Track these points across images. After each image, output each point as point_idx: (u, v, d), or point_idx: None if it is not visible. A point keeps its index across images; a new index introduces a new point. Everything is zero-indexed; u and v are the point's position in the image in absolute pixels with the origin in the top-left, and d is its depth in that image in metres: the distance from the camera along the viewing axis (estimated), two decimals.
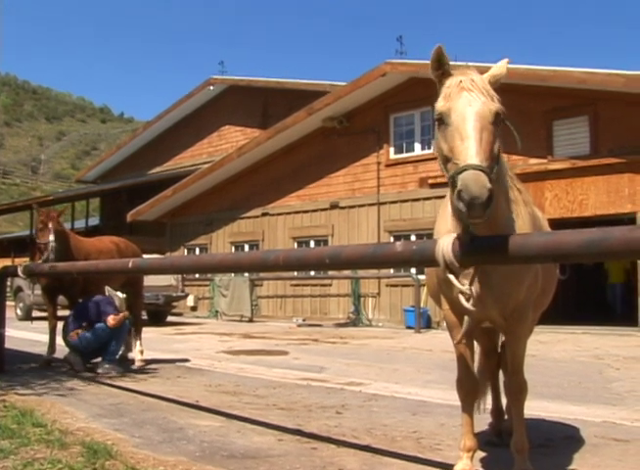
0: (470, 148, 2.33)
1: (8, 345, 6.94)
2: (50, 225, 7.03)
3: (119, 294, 7.16)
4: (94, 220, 31.07)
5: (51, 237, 6.93)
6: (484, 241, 2.52)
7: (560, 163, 13.40)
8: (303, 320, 17.08)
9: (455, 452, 3.34)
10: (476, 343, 3.57)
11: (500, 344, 4.03)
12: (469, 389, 3.14)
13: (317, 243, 17.43)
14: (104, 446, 3.53)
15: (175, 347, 9.99)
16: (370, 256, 2.94)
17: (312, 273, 16.62)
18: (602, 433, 4.17)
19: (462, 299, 2.63)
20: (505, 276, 2.80)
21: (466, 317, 2.80)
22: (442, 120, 2.49)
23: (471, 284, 2.63)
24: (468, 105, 2.45)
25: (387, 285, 16.09)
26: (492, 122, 2.44)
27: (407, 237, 14.92)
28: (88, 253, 7.44)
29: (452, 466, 3.11)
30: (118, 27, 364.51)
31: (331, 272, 15.41)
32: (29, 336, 10.74)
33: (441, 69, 2.59)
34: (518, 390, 3.05)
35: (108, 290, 7.12)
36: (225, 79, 24.88)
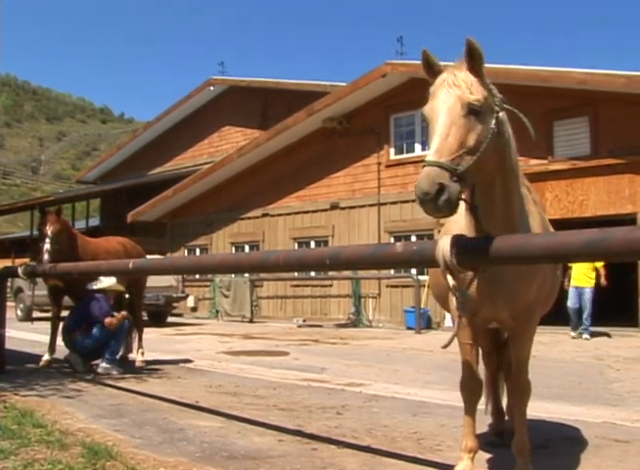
0: (431, 146, 2.39)
1: (8, 345, 6.93)
2: (47, 226, 7.01)
3: (103, 278, 7.05)
4: (94, 221, 31.06)
5: (47, 239, 6.90)
6: (485, 242, 2.52)
7: (560, 163, 13.40)
8: (304, 321, 17.07)
9: (455, 453, 3.34)
10: None
11: (501, 345, 4.03)
12: (472, 390, 3.14)
13: (317, 244, 17.43)
14: (104, 447, 3.52)
15: (175, 347, 9.98)
16: (370, 256, 2.94)
17: (312, 274, 16.62)
18: (602, 433, 4.17)
19: (457, 302, 2.62)
20: (516, 276, 2.80)
21: (462, 320, 2.80)
22: (425, 121, 2.56)
23: (467, 288, 2.62)
24: (442, 102, 2.47)
25: (387, 286, 16.09)
26: (464, 115, 2.43)
27: (407, 238, 14.91)
28: (96, 253, 7.41)
29: (453, 467, 3.11)
30: (119, 28, 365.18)
31: (331, 273, 15.40)
32: (30, 336, 10.73)
33: (432, 70, 2.62)
34: (521, 391, 3.04)
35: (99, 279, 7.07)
36: (225, 80, 24.88)
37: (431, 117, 2.48)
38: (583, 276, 11.94)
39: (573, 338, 11.72)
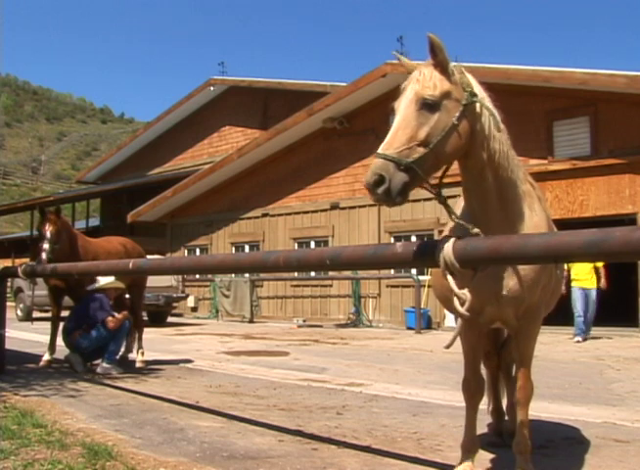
0: (385, 140, 2.48)
1: (8, 345, 6.93)
2: (46, 226, 7.01)
3: (101, 278, 7.06)
4: (94, 221, 31.08)
5: (46, 239, 6.90)
6: (485, 241, 2.52)
7: (560, 163, 13.40)
8: (304, 321, 17.08)
9: (456, 453, 3.34)
10: None
11: (500, 345, 4.03)
12: (475, 390, 3.13)
13: (317, 244, 17.43)
14: (104, 447, 3.52)
15: (176, 347, 9.99)
16: (370, 256, 2.94)
17: (313, 274, 16.63)
18: (602, 434, 4.17)
19: (457, 303, 2.62)
20: (521, 274, 2.80)
21: (459, 320, 2.80)
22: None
23: (466, 287, 2.63)
24: (404, 98, 2.58)
25: (387, 286, 16.09)
26: (418, 109, 2.51)
27: (408, 238, 14.91)
28: (97, 254, 7.42)
29: (453, 467, 3.11)
30: (119, 28, 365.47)
31: (331, 273, 15.41)
32: (30, 337, 10.74)
33: (407, 68, 2.72)
34: (524, 392, 3.03)
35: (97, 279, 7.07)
36: (225, 80, 24.89)
37: (395, 112, 2.60)
38: (588, 276, 11.44)
39: (578, 342, 11.10)
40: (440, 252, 2.57)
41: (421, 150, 2.44)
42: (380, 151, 2.44)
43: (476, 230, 2.65)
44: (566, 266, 11.08)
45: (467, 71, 2.70)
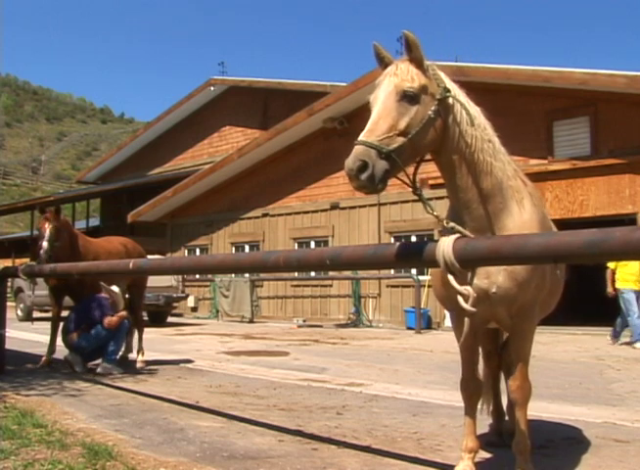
0: (365, 128, 2.54)
1: (8, 345, 6.93)
2: (45, 226, 7.01)
3: (115, 288, 7.12)
4: (94, 221, 31.07)
5: (45, 238, 6.89)
6: (485, 241, 2.52)
7: (560, 163, 13.40)
8: (304, 321, 17.08)
9: (456, 453, 3.34)
10: None
11: (501, 345, 4.03)
12: (473, 390, 3.14)
13: (317, 244, 17.43)
14: (104, 447, 3.53)
15: (176, 347, 9.98)
16: (370, 256, 2.94)
17: (313, 274, 16.63)
18: (602, 434, 4.17)
19: (461, 300, 2.63)
20: (510, 273, 2.80)
21: (466, 319, 2.80)
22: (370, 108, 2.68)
23: (469, 284, 2.63)
24: (382, 90, 2.62)
25: (387, 286, 16.09)
26: (398, 100, 2.56)
27: (408, 238, 14.92)
28: (97, 254, 7.41)
29: (453, 467, 3.11)
30: (119, 28, 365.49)
31: (331, 273, 15.41)
32: (30, 337, 10.74)
33: (383, 62, 2.74)
34: (522, 392, 3.03)
35: (103, 286, 7.08)
36: (226, 80, 24.89)
37: (372, 103, 2.64)
38: (638, 278, 10.64)
39: (620, 344, 10.51)
40: (440, 252, 2.57)
41: (400, 139, 2.50)
42: (361, 138, 2.48)
43: (451, 224, 2.70)
44: (612, 266, 10.52)
45: (439, 69, 2.76)
